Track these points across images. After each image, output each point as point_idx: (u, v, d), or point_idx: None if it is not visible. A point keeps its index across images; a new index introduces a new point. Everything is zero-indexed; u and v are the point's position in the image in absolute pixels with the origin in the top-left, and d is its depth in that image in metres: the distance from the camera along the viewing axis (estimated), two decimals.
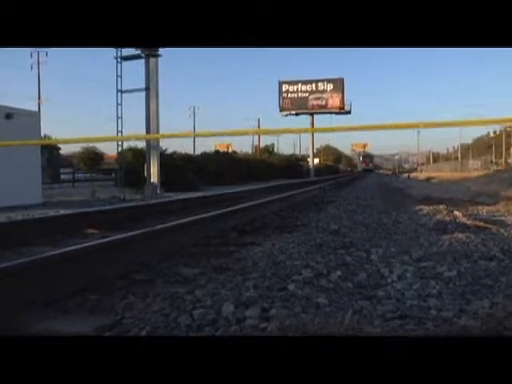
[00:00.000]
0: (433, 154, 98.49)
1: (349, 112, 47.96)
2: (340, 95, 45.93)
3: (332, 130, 3.60)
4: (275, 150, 67.98)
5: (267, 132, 9.10)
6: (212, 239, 4.30)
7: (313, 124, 48.05)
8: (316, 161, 65.20)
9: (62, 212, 6.95)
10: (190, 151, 45.35)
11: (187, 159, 25.06)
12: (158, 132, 14.13)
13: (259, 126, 58.97)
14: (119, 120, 13.85)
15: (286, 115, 48.07)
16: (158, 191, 13.82)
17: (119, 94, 13.97)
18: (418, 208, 7.36)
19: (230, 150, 56.00)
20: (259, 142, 57.70)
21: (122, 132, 13.90)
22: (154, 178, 14.11)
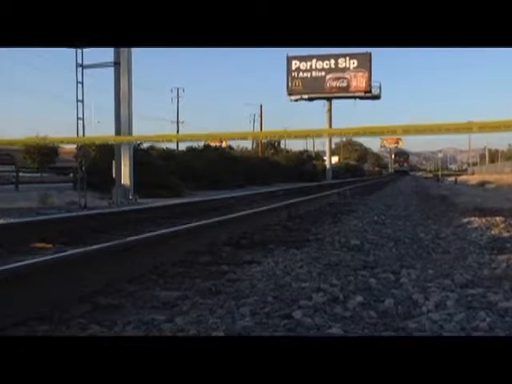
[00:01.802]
0: (489, 151, 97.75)
1: (377, 97, 48.09)
2: (366, 75, 46.08)
3: (357, 132, 3.68)
4: (282, 145, 68.52)
5: (271, 135, 9.23)
6: (199, 256, 4.37)
7: (330, 112, 48.26)
8: (334, 159, 65.42)
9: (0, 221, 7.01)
10: (172, 145, 45.52)
11: (168, 156, 25.23)
12: (129, 118, 14.21)
13: (262, 115, 59.23)
14: (80, 104, 13.79)
15: (296, 100, 48.16)
16: (131, 196, 13.89)
17: (79, 69, 13.89)
18: (466, 220, 7.42)
19: (224, 144, 56.17)
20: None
21: (83, 119, 13.89)
22: (126, 179, 14.19)
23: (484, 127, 3.66)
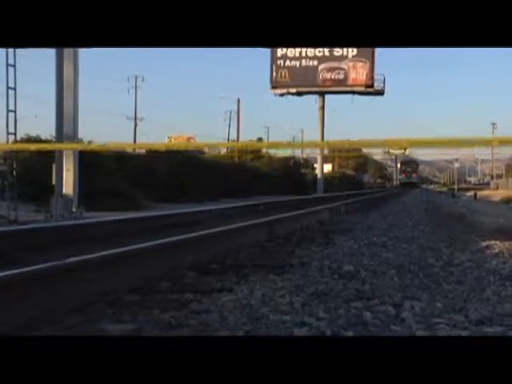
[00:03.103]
0: None
1: (381, 92, 48.49)
2: (368, 65, 46.53)
3: (351, 145, 3.85)
4: (264, 149, 68.56)
5: (249, 145, 9.35)
6: (158, 282, 4.39)
7: (323, 109, 48.56)
8: (327, 168, 65.48)
9: None
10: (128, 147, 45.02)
11: (123, 160, 25.15)
12: (74, 112, 14.11)
13: (239, 111, 59.41)
14: (11, 92, 13.57)
15: (282, 95, 48.32)
16: (74, 209, 13.78)
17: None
18: (485, 244, 7.53)
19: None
20: (238, 135, 58.06)
21: (15, 112, 13.74)
22: (68, 187, 14.09)
23: (507, 141, 3.75)
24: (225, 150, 57.56)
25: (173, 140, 57.89)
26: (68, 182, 14.05)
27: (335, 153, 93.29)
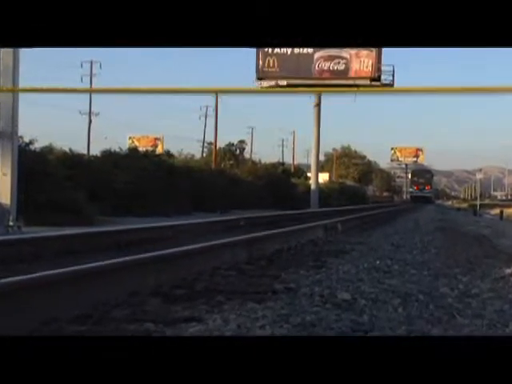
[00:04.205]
0: None
1: (390, 85, 48.37)
2: (373, 54, 46.60)
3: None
4: (246, 153, 68.64)
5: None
6: (112, 309, 4.42)
7: (319, 106, 48.65)
8: (323, 177, 65.02)
9: None
10: (81, 148, 44.43)
11: (74, 163, 25.04)
12: (13, 103, 14.03)
13: (217, 107, 59.34)
14: None
15: (270, 88, 48.26)
16: (11, 222, 13.69)
17: None
18: (509, 271, 7.55)
19: (160, 149, 56.02)
20: (216, 137, 58.03)
21: None
22: (4, 196, 14.01)
23: None
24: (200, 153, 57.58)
25: (135, 141, 57.81)
26: (4, 190, 13.90)
27: (333, 159, 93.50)
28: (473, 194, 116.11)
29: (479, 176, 69.74)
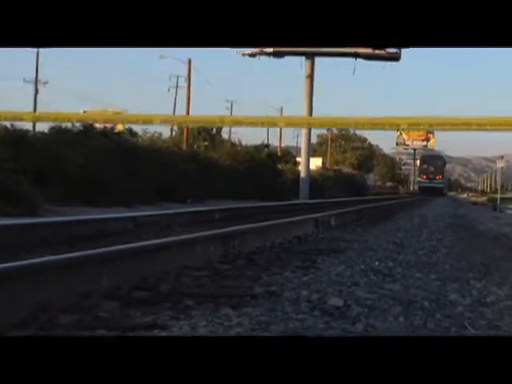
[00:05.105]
0: None
1: (396, 58, 48.41)
2: None
3: (346, 123, 4.44)
4: (224, 133, 68.32)
5: (202, 121, 9.42)
6: (60, 314, 4.42)
7: (312, 78, 48.55)
8: (316, 163, 64.65)
9: None
10: (25, 122, 43.94)
11: (16, 141, 24.88)
12: None
13: (190, 77, 59.19)
14: None
15: (253, 55, 48.17)
16: None
17: None
18: None
19: (120, 126, 55.34)
20: (188, 113, 57.83)
21: None
22: None
23: None
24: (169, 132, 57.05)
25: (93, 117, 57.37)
26: None
27: (328, 142, 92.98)
28: (492, 186, 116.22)
29: (500, 164, 69.22)
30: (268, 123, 9.60)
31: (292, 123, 8.30)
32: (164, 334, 4.03)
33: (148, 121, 7.43)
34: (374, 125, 5.54)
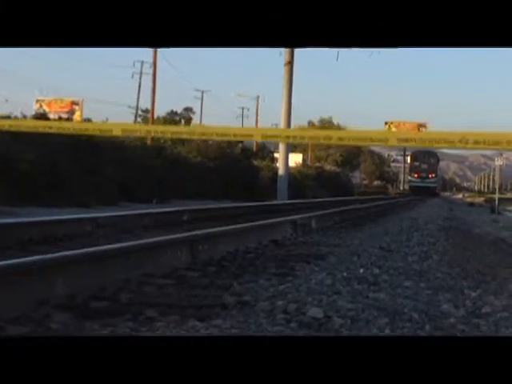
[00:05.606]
0: None
1: None
2: None
3: (327, 138, 4.66)
4: (195, 123, 68.18)
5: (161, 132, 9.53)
6: (7, 326, 4.41)
7: (291, 65, 48.79)
8: (296, 159, 64.82)
9: None
10: None
11: None
12: None
13: (155, 63, 59.17)
14: None
15: None
16: None
17: None
18: None
19: (78, 117, 55.21)
20: (154, 102, 57.75)
21: None
22: None
23: None
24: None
25: (44, 106, 56.81)
26: None
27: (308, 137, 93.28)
28: (490, 186, 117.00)
29: (499, 162, 69.44)
30: (241, 135, 9.62)
31: (269, 135, 8.24)
32: (164, 334, 4.34)
33: (108, 131, 7.55)
34: (359, 140, 5.70)
